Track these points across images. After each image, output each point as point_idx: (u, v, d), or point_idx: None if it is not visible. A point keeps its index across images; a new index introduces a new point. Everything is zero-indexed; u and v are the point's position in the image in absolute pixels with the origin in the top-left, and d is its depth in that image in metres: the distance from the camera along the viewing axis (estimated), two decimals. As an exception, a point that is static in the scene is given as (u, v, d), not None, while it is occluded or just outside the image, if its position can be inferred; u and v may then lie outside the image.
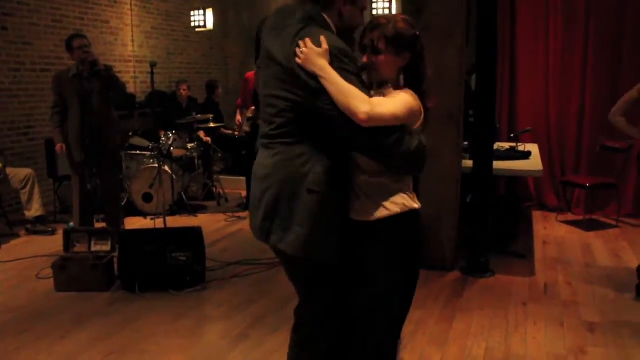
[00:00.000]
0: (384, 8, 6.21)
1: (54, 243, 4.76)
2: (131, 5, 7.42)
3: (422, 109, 1.87)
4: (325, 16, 1.88)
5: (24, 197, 5.24)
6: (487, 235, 4.19)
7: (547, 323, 3.30)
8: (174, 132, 6.10)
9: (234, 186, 6.94)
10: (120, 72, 7.11)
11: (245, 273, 4.19)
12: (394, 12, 6.28)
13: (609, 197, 5.64)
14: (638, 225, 5.38)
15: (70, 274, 3.86)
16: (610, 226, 5.36)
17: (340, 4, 1.88)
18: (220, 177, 7.05)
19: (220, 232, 5.34)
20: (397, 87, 1.90)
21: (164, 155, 5.75)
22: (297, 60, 1.75)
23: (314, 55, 1.73)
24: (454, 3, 3.96)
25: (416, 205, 1.93)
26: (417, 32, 1.89)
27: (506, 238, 4.78)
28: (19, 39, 5.93)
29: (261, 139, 1.97)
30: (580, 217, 5.54)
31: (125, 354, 3.01)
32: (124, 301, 3.72)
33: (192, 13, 7.59)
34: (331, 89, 1.72)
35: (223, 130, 7.30)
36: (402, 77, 1.92)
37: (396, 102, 1.80)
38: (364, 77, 1.88)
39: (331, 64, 1.74)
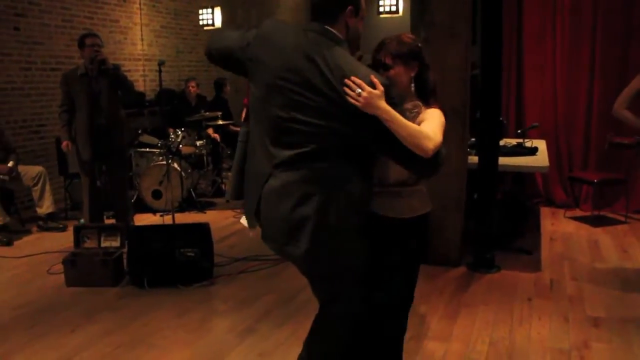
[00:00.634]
0: (390, 5, 6.21)
1: (65, 239, 4.84)
2: (140, 4, 7.48)
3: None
4: (334, 31, 1.91)
5: (35, 195, 5.33)
6: (492, 231, 4.19)
7: (552, 318, 3.31)
8: (182, 129, 6.16)
9: (242, 183, 6.97)
10: (129, 70, 7.19)
11: (253, 269, 4.24)
12: (400, 10, 6.29)
13: (617, 193, 5.62)
14: (647, 221, 5.36)
15: (80, 269, 3.93)
16: (618, 222, 5.34)
17: (347, 17, 1.91)
18: (229, 174, 7.10)
19: (228, 229, 5.39)
20: (422, 102, 2.09)
21: (173, 153, 5.81)
22: (353, 101, 1.79)
23: (376, 99, 1.79)
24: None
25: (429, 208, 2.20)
26: (419, 44, 2.09)
27: (513, 234, 4.79)
28: (30, 39, 6.01)
29: (277, 162, 1.95)
30: (588, 213, 5.52)
31: (134, 348, 3.07)
32: (132, 296, 3.78)
33: (200, 11, 7.64)
34: (399, 132, 1.83)
35: (232, 127, 7.35)
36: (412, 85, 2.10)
37: (437, 123, 1.97)
38: None
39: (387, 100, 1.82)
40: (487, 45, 4.01)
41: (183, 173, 5.85)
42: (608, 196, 5.65)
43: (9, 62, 5.83)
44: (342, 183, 1.91)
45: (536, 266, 4.18)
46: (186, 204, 6.04)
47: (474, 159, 4.29)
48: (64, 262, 3.96)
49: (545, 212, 5.77)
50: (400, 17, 6.60)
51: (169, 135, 6.05)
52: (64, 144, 4.72)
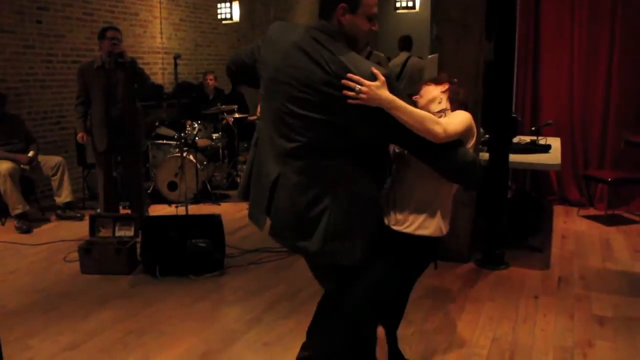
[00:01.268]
0: (407, 0, 6.21)
1: (81, 228, 4.96)
2: (160, -3, 7.59)
3: (475, 130, 2.12)
4: (332, 27, 1.93)
5: (54, 184, 5.47)
6: (502, 228, 4.20)
7: (557, 316, 3.32)
8: (199, 122, 6.25)
9: (257, 176, 7.04)
10: (148, 63, 7.30)
11: (263, 261, 4.30)
12: (417, 6, 6.27)
13: (633, 192, 5.56)
14: (662, 221, 5.30)
15: (95, 257, 4.03)
16: (633, 222, 5.29)
17: (339, 14, 1.92)
18: (244, 167, 7.17)
19: (241, 220, 5.46)
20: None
21: (189, 145, 5.90)
22: (355, 101, 1.81)
23: (376, 91, 1.80)
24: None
25: (445, 231, 2.21)
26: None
27: (524, 231, 4.77)
28: (52, 32, 6.15)
29: (284, 158, 2.00)
30: (603, 213, 5.48)
31: (144, 334, 3.16)
32: (144, 284, 3.88)
33: (218, 5, 7.71)
34: (406, 120, 1.85)
35: (249, 118, 7.38)
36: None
37: (456, 119, 2.04)
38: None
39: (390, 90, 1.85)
40: (500, 41, 4.00)
41: (198, 165, 5.94)
42: (624, 195, 5.59)
43: (31, 54, 5.98)
44: (349, 183, 1.96)
45: (545, 264, 4.18)
46: (201, 196, 6.13)
47: (486, 155, 4.29)
48: (79, 249, 4.08)
49: (558, 210, 5.73)
50: (416, 12, 6.60)
51: (186, 127, 6.14)
52: (80, 135, 4.83)
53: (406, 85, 5.87)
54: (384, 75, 1.84)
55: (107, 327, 3.24)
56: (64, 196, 5.48)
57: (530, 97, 6.07)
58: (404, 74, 6.24)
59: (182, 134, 5.87)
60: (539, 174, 5.90)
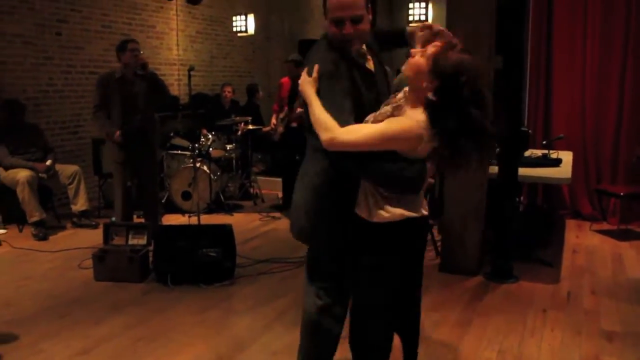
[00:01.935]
0: (419, 15, 6.27)
1: (96, 236, 5.02)
2: (177, 10, 7.73)
3: (427, 136, 1.81)
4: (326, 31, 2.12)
5: (70, 192, 5.58)
6: (511, 242, 4.20)
7: (565, 330, 3.31)
8: (213, 133, 6.34)
9: (271, 187, 7.14)
10: (164, 75, 7.43)
11: (273, 271, 4.35)
12: (430, 18, 6.34)
13: (646, 207, 5.53)
14: (676, 236, 5.25)
15: (109, 265, 4.11)
16: (646, 237, 5.26)
17: (326, 17, 2.08)
18: (258, 177, 7.26)
19: (253, 231, 5.52)
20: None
21: (203, 156, 5.99)
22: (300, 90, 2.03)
23: (304, 84, 1.99)
24: (481, 6, 4.02)
25: (416, 213, 1.99)
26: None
27: (534, 245, 4.77)
28: (71, 44, 6.30)
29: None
30: (615, 227, 5.45)
31: (154, 341, 3.21)
32: (156, 292, 3.94)
33: (234, 18, 7.85)
34: (311, 117, 1.96)
35: (264, 129, 7.46)
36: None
37: (371, 130, 1.85)
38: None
39: (320, 86, 1.97)
40: (510, 55, 4.04)
41: (212, 176, 6.02)
42: (637, 210, 5.56)
43: (51, 65, 6.13)
44: (309, 175, 2.14)
45: (555, 278, 4.17)
46: (215, 206, 6.21)
47: (495, 168, 4.31)
48: (93, 257, 4.16)
49: (570, 224, 5.71)
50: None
51: (201, 137, 6.23)
52: (117, 133, 4.60)
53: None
54: (320, 73, 1.98)
55: (119, 333, 3.30)
56: (80, 204, 5.59)
57: (542, 111, 6.07)
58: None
59: (197, 145, 5.95)
60: (551, 188, 5.89)
